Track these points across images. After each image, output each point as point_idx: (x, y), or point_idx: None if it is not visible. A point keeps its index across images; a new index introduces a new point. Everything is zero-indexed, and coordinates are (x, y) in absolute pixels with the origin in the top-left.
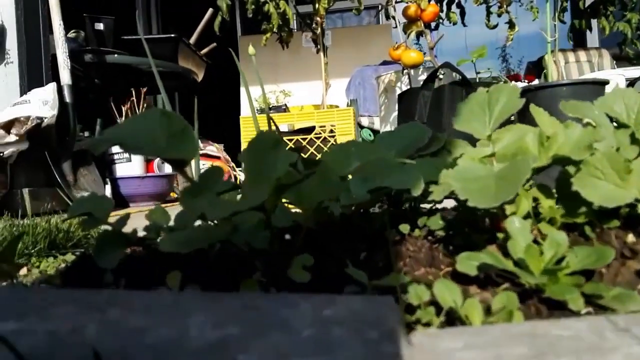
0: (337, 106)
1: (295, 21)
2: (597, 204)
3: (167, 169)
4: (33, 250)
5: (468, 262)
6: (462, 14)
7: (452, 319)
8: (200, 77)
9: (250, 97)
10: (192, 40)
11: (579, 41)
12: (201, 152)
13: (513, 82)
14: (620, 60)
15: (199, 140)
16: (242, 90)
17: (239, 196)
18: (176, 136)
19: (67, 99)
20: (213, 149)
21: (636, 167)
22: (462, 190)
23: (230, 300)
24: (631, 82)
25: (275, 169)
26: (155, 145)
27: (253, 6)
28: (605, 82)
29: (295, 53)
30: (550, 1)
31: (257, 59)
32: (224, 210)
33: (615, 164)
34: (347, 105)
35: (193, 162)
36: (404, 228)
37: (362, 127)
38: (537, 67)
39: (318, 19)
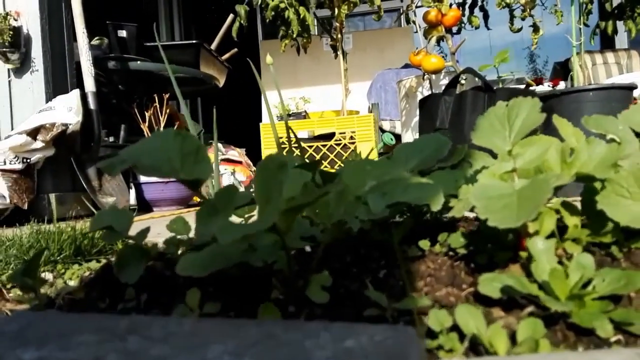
0: (357, 112)
1: (315, 26)
2: (623, 224)
3: None
4: (59, 258)
5: (491, 285)
6: (486, 17)
7: (476, 344)
8: (222, 82)
9: (268, 105)
10: (213, 46)
11: (607, 43)
12: (223, 157)
13: (537, 85)
14: None
15: (221, 145)
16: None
17: (256, 209)
18: (190, 156)
19: (92, 105)
20: (235, 153)
21: None
22: (483, 209)
23: (249, 328)
24: None
25: (281, 191)
26: (169, 166)
27: (273, 12)
28: (634, 87)
29: (316, 58)
30: (575, 4)
31: (278, 64)
32: (235, 233)
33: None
34: (369, 110)
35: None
36: (424, 244)
37: (383, 131)
38: (563, 68)
39: (337, 24)
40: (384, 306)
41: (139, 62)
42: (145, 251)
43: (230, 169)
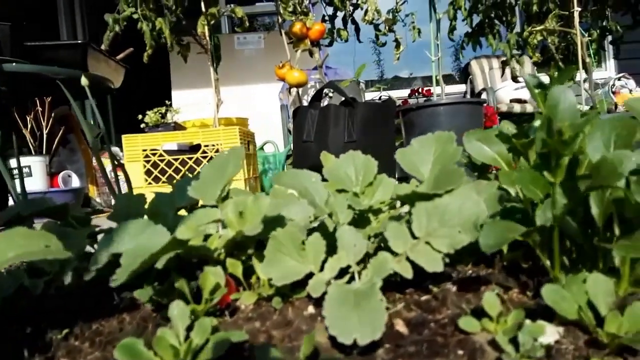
0: (246, 119)
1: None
2: (275, 281)
3: (75, 182)
4: None
5: None
6: (357, 29)
7: None
8: (117, 83)
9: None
10: (103, 47)
11: None
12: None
13: (411, 97)
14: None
15: (119, 149)
16: (174, 94)
17: None
18: None
19: None
20: None
21: (315, 243)
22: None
23: None
24: None
25: None
26: None
27: (125, 22)
28: (483, 102)
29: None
30: (433, 22)
31: (191, 63)
32: None
33: (295, 240)
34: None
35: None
36: None
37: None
38: (463, 73)
39: (201, 35)
40: None
41: (14, 64)
42: None
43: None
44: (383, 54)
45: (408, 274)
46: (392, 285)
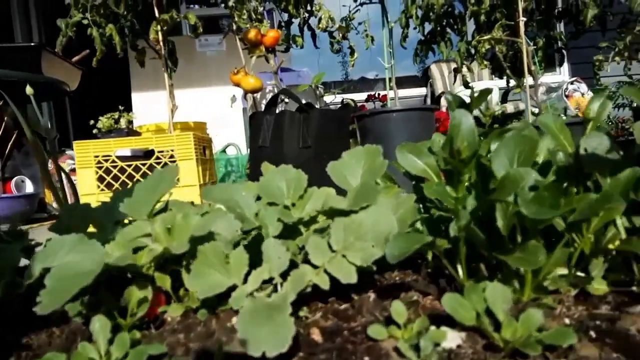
0: (204, 123)
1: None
2: (199, 294)
3: (29, 187)
4: None
5: None
6: (313, 36)
7: None
8: (74, 85)
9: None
10: (57, 49)
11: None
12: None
13: (368, 101)
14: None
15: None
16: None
17: None
18: None
19: None
20: None
21: (238, 257)
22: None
23: None
24: (505, 92)
25: None
26: None
27: (74, 29)
28: (435, 109)
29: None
30: (385, 30)
31: (155, 65)
32: None
33: (219, 255)
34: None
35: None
36: None
37: None
38: (424, 76)
39: (153, 40)
40: None
41: None
42: None
43: None
44: (349, 56)
45: (325, 285)
46: (317, 294)
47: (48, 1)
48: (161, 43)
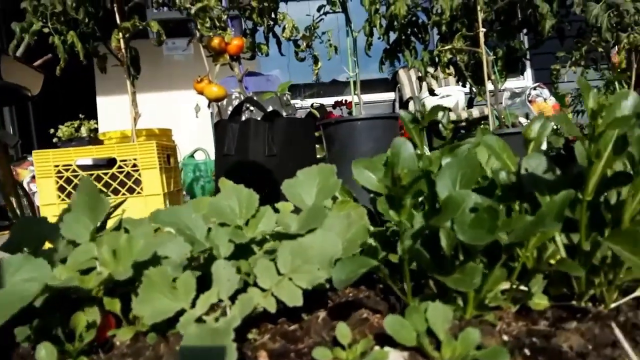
0: (170, 130)
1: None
2: (146, 320)
3: None
4: None
5: None
6: (279, 43)
7: None
8: (36, 90)
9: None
10: (19, 53)
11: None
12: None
13: (335, 109)
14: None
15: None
16: (99, 100)
17: None
18: None
19: None
20: None
21: (186, 281)
22: None
23: None
24: (471, 98)
25: None
26: None
27: (35, 37)
28: (397, 117)
29: (155, 63)
30: (350, 39)
31: (114, 73)
32: None
33: (166, 279)
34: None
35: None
36: None
37: None
38: (392, 81)
39: (115, 48)
40: None
41: None
42: None
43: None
44: (320, 58)
45: (273, 309)
46: (268, 315)
47: (7, 3)
48: (123, 50)
